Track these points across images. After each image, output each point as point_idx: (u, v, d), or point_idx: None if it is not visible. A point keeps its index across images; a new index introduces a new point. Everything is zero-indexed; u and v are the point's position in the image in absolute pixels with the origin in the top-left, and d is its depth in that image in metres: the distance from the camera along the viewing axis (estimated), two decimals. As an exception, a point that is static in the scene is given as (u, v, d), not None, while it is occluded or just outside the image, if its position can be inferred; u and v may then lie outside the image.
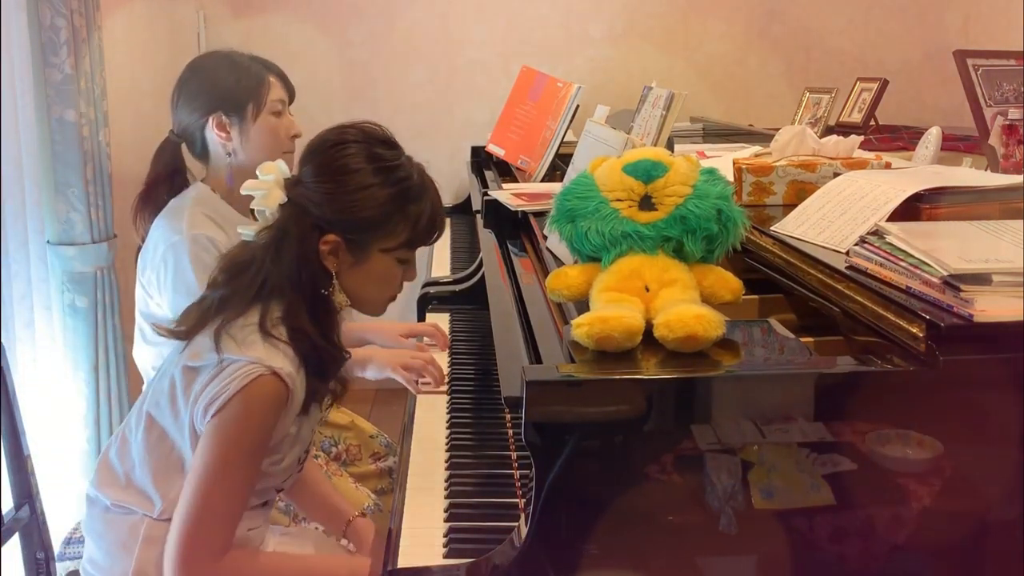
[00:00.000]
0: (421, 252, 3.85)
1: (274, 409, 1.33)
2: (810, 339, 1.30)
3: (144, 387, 1.50)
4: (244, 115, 1.94)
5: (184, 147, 2.00)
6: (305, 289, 1.37)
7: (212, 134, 1.94)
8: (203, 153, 1.98)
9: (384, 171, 1.40)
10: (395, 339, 2.10)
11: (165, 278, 1.85)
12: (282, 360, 1.33)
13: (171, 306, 1.86)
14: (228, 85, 1.93)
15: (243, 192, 1.42)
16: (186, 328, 1.41)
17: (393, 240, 1.41)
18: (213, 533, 1.31)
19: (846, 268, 1.25)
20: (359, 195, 1.37)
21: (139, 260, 1.94)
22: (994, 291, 1.05)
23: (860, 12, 4.07)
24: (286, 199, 1.40)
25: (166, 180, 1.97)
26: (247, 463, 1.33)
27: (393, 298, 1.49)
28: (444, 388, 1.89)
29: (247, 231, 1.44)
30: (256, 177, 1.99)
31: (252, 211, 2.04)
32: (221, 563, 1.32)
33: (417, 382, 1.88)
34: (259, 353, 1.32)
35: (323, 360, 1.40)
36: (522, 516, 1.18)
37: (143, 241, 1.95)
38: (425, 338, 2.13)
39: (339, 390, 1.47)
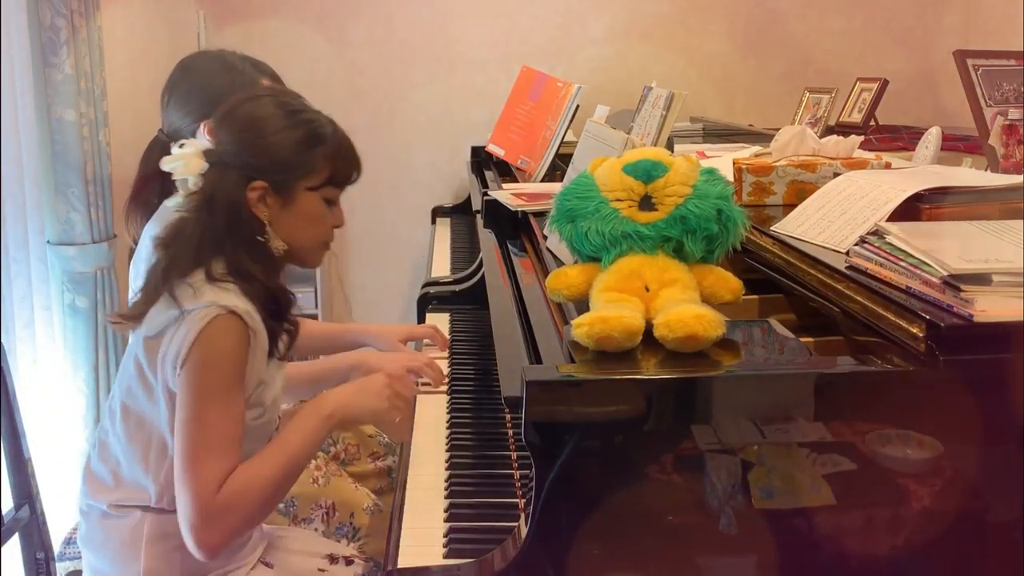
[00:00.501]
0: (421, 251, 3.83)
1: (238, 345, 1.36)
2: (810, 339, 1.30)
3: (112, 389, 1.51)
4: None
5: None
6: (242, 239, 1.43)
7: (203, 140, 1.92)
8: None
9: (295, 113, 1.46)
10: (393, 343, 2.10)
11: None
12: (235, 299, 1.38)
13: None
14: (219, 91, 1.88)
15: (162, 167, 1.47)
16: (138, 311, 1.44)
17: (316, 177, 1.47)
18: (214, 472, 1.33)
19: (846, 268, 1.25)
20: (276, 137, 1.43)
21: (132, 266, 1.92)
22: (994, 291, 1.05)
23: (860, 12, 4.07)
24: (207, 165, 1.44)
25: (156, 181, 1.93)
26: (228, 398, 1.36)
27: (327, 245, 1.53)
28: (444, 388, 1.89)
29: (173, 202, 1.49)
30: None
31: None
32: (219, 493, 1.34)
33: (418, 383, 1.88)
34: (211, 297, 1.37)
35: (274, 300, 1.44)
36: (522, 516, 1.18)
37: (135, 243, 1.94)
38: (425, 340, 2.13)
39: (293, 331, 1.51)
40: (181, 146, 1.45)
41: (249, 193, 1.43)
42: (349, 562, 1.62)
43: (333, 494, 1.86)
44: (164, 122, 1.97)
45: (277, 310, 1.46)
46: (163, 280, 1.41)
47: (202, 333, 1.34)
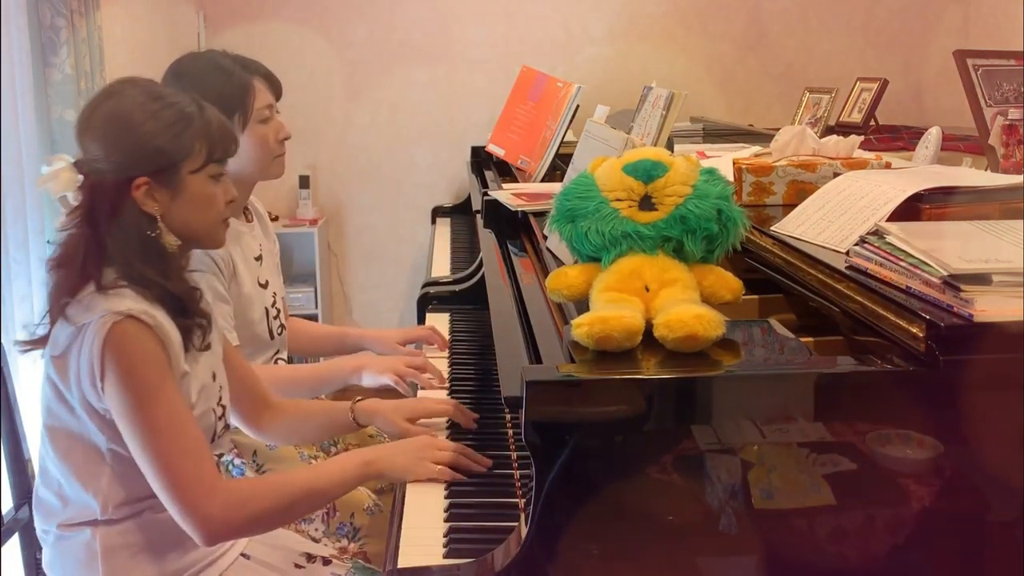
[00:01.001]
0: (421, 251, 3.83)
1: (148, 344, 1.33)
2: (810, 339, 1.30)
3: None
4: (232, 126, 1.91)
5: None
6: (130, 243, 1.38)
7: None
8: None
9: (157, 100, 1.40)
10: (392, 347, 2.10)
11: None
12: (130, 303, 1.34)
13: None
14: (212, 97, 1.87)
15: (38, 187, 1.43)
16: (41, 335, 1.41)
17: (196, 159, 1.41)
18: (191, 469, 1.32)
19: (846, 268, 1.25)
20: (145, 128, 1.38)
21: None
22: (994, 291, 1.05)
23: (860, 12, 4.07)
24: (81, 177, 1.39)
25: None
26: (165, 398, 1.33)
27: (225, 222, 1.49)
28: (443, 388, 1.89)
29: (58, 224, 1.45)
30: (247, 183, 1.98)
31: (245, 211, 2.04)
32: (225, 490, 1.35)
33: (416, 386, 1.89)
34: (104, 306, 1.33)
35: (177, 298, 1.41)
36: (522, 516, 1.18)
37: None
38: (424, 343, 2.14)
39: (206, 324, 1.46)
40: (49, 164, 1.40)
41: (134, 192, 1.38)
42: (327, 562, 1.62)
43: None
44: None
45: (182, 307, 1.41)
46: (56, 302, 1.38)
47: (106, 345, 1.30)
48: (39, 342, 1.42)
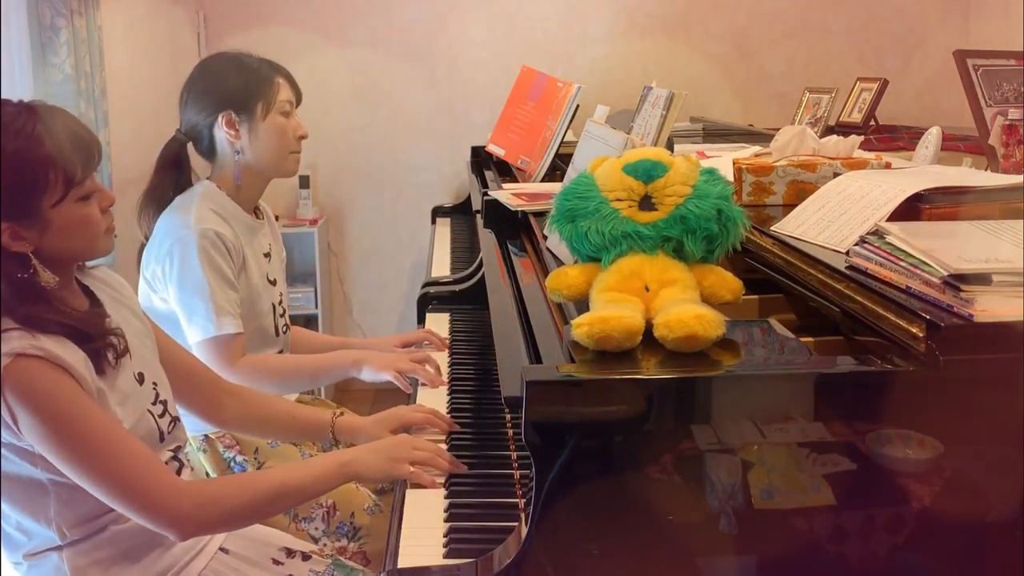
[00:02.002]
0: (421, 251, 3.83)
1: (48, 377, 1.27)
2: (810, 339, 1.30)
3: None
4: (253, 114, 1.96)
5: (190, 145, 2.01)
6: (5, 287, 1.29)
7: (221, 132, 1.97)
8: (210, 151, 2.00)
9: (10, 135, 1.27)
10: (391, 351, 2.11)
11: (171, 271, 1.87)
12: (16, 343, 1.27)
13: (177, 300, 1.87)
14: (238, 84, 1.96)
15: None
16: None
17: (58, 191, 1.31)
18: (142, 477, 1.30)
19: (846, 268, 1.25)
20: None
21: (143, 255, 1.95)
22: (994, 291, 1.05)
23: (860, 12, 4.07)
24: None
25: (171, 178, 1.99)
26: (87, 419, 1.28)
27: (110, 228, 1.40)
28: (444, 385, 1.90)
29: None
30: (260, 178, 2.01)
31: (256, 209, 2.07)
32: (192, 490, 1.33)
33: (416, 383, 1.89)
34: None
35: (74, 328, 1.34)
36: (522, 516, 1.18)
37: (147, 238, 1.97)
38: (423, 344, 2.15)
39: (118, 342, 1.40)
40: None
41: (2, 239, 1.29)
42: (306, 557, 1.61)
43: (334, 493, 1.86)
44: (182, 121, 2.01)
45: (81, 333, 1.34)
46: None
47: (6, 389, 1.25)
48: None
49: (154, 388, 1.49)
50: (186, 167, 2.01)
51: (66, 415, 1.28)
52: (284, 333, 2.08)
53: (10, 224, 1.30)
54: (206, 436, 1.92)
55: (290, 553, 1.61)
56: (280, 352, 2.07)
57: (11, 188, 1.28)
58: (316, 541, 1.81)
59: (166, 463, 1.47)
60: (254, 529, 1.63)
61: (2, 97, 1.34)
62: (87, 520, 1.38)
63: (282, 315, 2.08)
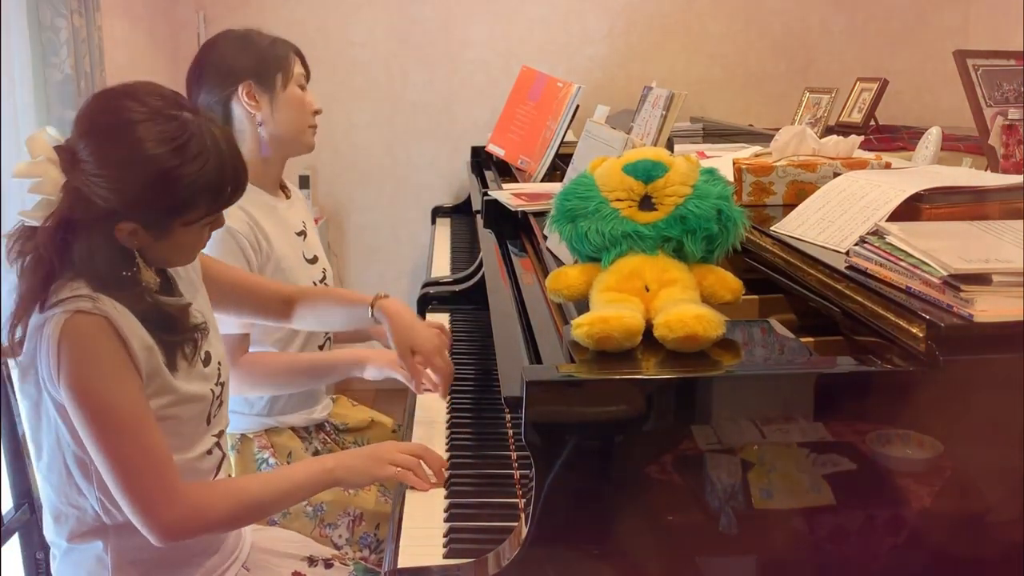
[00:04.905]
0: (421, 251, 3.81)
1: (101, 338, 1.26)
2: (810, 339, 1.30)
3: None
4: (273, 84, 1.94)
5: None
6: (105, 278, 1.30)
7: (240, 106, 1.93)
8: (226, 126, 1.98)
9: (176, 152, 1.26)
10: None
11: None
12: (85, 303, 1.27)
13: None
14: (255, 56, 1.94)
15: (15, 177, 1.32)
16: (16, 341, 1.35)
17: (195, 214, 1.31)
18: (153, 476, 1.29)
19: (846, 268, 1.25)
20: (152, 183, 1.26)
21: None
22: (994, 291, 1.05)
23: (860, 12, 4.07)
24: (64, 178, 1.28)
25: None
26: (126, 396, 1.28)
27: (202, 246, 1.43)
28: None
29: (30, 219, 1.32)
30: (279, 154, 1.98)
31: (283, 188, 2.04)
32: (183, 499, 1.31)
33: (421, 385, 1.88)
34: (62, 308, 1.27)
35: (160, 318, 1.34)
36: (522, 516, 1.18)
37: None
38: None
39: (199, 338, 1.42)
40: (31, 154, 1.30)
41: (116, 233, 1.29)
42: (329, 565, 1.61)
43: (362, 504, 1.87)
44: (195, 101, 1.97)
45: (167, 325, 1.35)
46: (21, 312, 1.32)
47: (63, 337, 1.25)
48: (9, 351, 1.35)
49: (218, 368, 1.49)
50: None
51: (101, 381, 1.27)
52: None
53: (136, 226, 1.30)
54: (242, 435, 1.92)
55: (312, 562, 1.61)
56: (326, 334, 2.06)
57: (157, 198, 1.28)
58: (338, 548, 1.80)
59: (208, 452, 1.47)
60: (276, 538, 1.64)
61: (187, 102, 1.34)
62: None
63: None
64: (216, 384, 1.48)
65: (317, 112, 2.03)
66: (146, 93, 1.31)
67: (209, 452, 1.47)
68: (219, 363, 1.50)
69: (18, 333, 1.34)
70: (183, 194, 1.28)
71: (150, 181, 1.26)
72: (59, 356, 1.25)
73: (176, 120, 1.28)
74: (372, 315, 1.73)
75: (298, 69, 1.99)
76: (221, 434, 1.52)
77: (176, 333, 1.37)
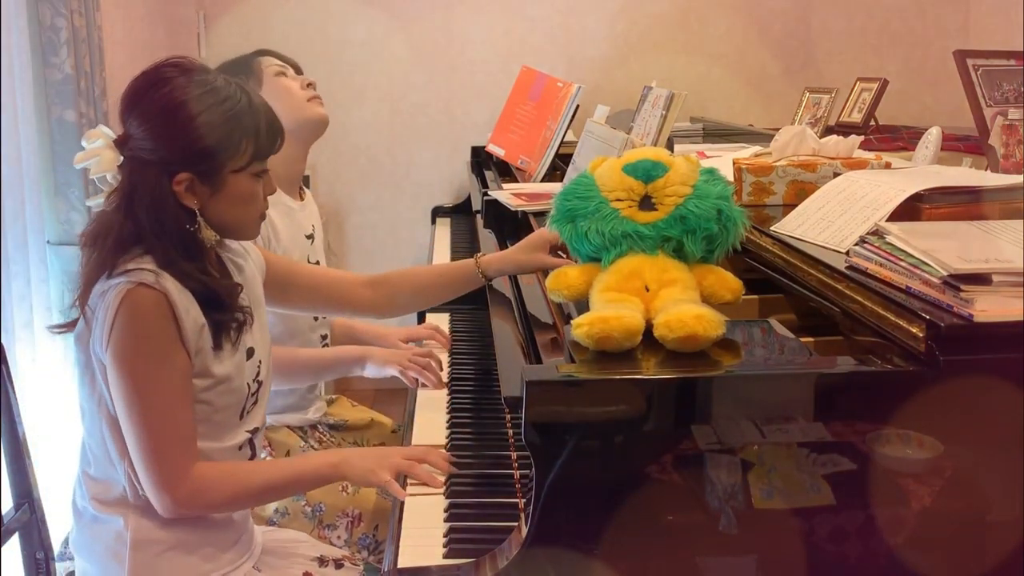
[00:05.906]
0: (422, 251, 3.83)
1: (156, 313, 1.34)
2: (810, 339, 1.30)
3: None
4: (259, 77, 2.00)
5: None
6: (170, 236, 1.38)
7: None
8: None
9: (209, 94, 1.39)
10: (394, 342, 2.10)
11: None
12: (148, 276, 1.34)
13: None
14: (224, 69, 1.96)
15: (76, 165, 1.43)
16: (74, 318, 1.43)
17: (242, 158, 1.40)
18: (175, 452, 1.35)
19: (846, 268, 1.25)
20: (193, 125, 1.36)
21: None
22: (994, 291, 1.05)
23: (860, 12, 4.07)
24: (122, 158, 1.39)
25: None
26: (167, 371, 1.35)
27: (262, 216, 1.49)
28: (444, 383, 1.89)
29: (95, 201, 1.46)
30: (296, 147, 1.99)
31: (301, 189, 2.05)
32: (194, 477, 1.37)
33: (417, 380, 1.88)
34: (127, 277, 1.34)
35: (214, 293, 1.40)
36: (522, 516, 1.18)
37: None
38: (425, 341, 2.14)
39: (246, 318, 1.46)
40: (88, 140, 1.40)
41: (175, 187, 1.37)
42: (339, 565, 1.61)
43: (361, 505, 1.87)
44: None
45: (218, 302, 1.41)
46: (88, 284, 1.39)
47: (121, 306, 1.32)
48: (70, 326, 1.44)
49: (258, 366, 1.52)
50: None
51: (146, 357, 1.34)
52: (324, 318, 2.07)
53: (190, 175, 1.38)
54: None
55: (323, 562, 1.61)
56: (324, 336, 2.06)
57: (205, 143, 1.37)
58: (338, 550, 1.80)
59: (240, 447, 1.50)
60: (285, 539, 1.64)
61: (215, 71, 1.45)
62: None
63: None
64: (254, 380, 1.51)
65: (310, 84, 2.07)
66: (174, 63, 1.43)
67: (240, 448, 1.50)
68: (260, 361, 1.53)
69: (74, 315, 1.42)
70: (222, 131, 1.38)
71: (191, 122, 1.36)
72: (113, 323, 1.32)
73: (207, 72, 1.43)
74: (480, 272, 1.73)
75: (268, 62, 2.03)
76: (256, 432, 1.54)
77: (225, 312, 1.42)
